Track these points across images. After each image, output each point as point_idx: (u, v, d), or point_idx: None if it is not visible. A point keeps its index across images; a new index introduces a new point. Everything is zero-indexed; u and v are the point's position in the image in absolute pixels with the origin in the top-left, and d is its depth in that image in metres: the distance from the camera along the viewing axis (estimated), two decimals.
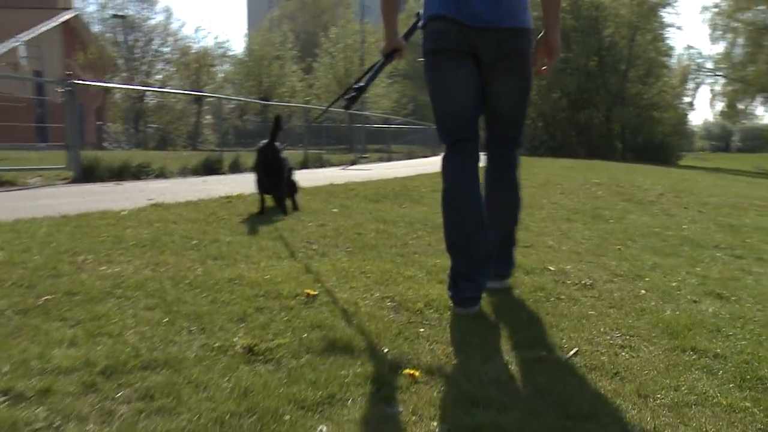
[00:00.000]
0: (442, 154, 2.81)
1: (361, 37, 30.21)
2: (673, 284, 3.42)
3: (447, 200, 2.76)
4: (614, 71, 35.52)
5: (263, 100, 32.31)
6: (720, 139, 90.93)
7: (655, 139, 36.37)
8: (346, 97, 2.92)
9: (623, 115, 35.84)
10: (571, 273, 3.54)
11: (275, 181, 5.32)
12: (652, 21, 39.10)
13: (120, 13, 34.63)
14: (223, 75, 43.19)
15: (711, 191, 10.61)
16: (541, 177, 11.58)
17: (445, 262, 2.97)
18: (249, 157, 13.73)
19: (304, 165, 15.26)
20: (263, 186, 5.31)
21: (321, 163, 16.11)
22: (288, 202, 5.54)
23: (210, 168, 11.87)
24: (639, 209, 7.38)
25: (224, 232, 4.19)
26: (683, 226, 6.04)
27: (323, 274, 3.11)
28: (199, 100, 33.83)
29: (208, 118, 44.16)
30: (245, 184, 8.83)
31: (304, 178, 10.47)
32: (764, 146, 71.11)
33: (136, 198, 6.32)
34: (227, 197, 6.35)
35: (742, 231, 5.95)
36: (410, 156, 24.55)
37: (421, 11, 2.80)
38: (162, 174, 10.58)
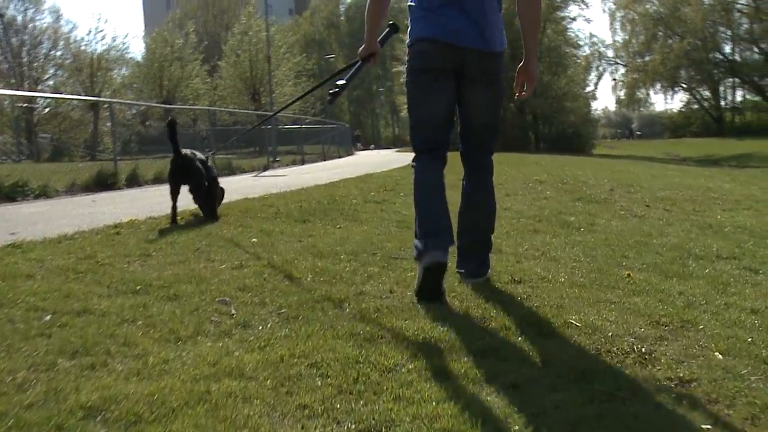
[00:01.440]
0: (413, 156, 3.18)
1: (267, 35, 28.60)
2: (743, 336, 2.44)
3: (417, 195, 3.10)
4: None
5: (165, 104, 30.19)
6: (620, 127, 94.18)
7: (568, 130, 36.56)
8: (330, 92, 3.19)
9: (536, 106, 35.76)
10: (609, 332, 2.48)
11: (192, 188, 5.37)
12: (562, 11, 39.48)
13: None
14: (120, 79, 40.68)
15: (655, 183, 9.98)
16: None
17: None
18: (148, 168, 12.24)
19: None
20: (175, 195, 5.32)
21: (231, 171, 14.68)
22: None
23: (103, 182, 10.30)
24: (602, 211, 6.52)
25: (99, 290, 2.91)
26: (665, 231, 5.20)
27: (249, 378, 1.92)
28: (95, 106, 31.32)
29: (108, 126, 41.55)
30: (143, 202, 7.47)
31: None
32: (662, 132, 73.95)
33: None
34: (115, 226, 5.01)
35: (728, 234, 5.20)
36: (325, 157, 23.32)
37: (396, 22, 3.45)
38: (44, 193, 9.01)
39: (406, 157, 23.64)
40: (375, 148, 52.18)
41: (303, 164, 19.73)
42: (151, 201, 7.57)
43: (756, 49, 51.30)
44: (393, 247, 4.13)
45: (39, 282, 3.03)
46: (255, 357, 2.06)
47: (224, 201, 6.73)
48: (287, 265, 3.51)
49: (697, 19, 50.65)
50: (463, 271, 3.27)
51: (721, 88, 57.92)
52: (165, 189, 10.49)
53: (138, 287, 2.95)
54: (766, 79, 51.34)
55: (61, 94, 34.00)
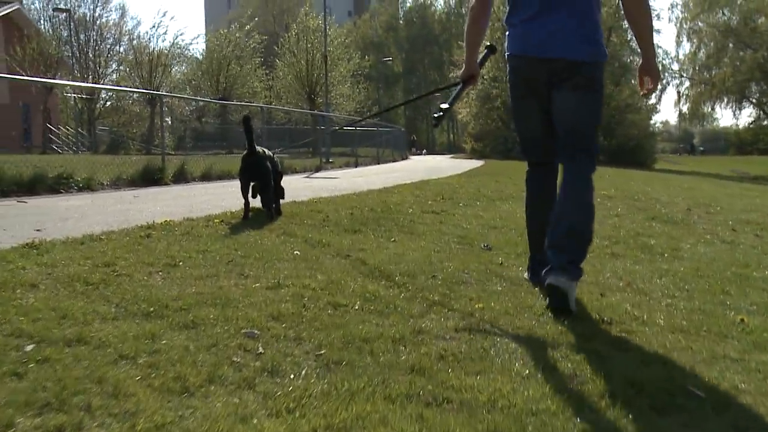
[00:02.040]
0: (527, 170, 3.43)
1: (324, 35, 28.34)
2: None
3: (529, 208, 3.48)
4: None
5: (222, 100, 30.25)
6: (681, 142, 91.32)
7: (630, 142, 35.18)
8: (434, 116, 3.44)
9: None
10: (745, 407, 1.88)
11: (261, 187, 5.40)
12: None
13: (62, 6, 32.17)
14: (180, 76, 41.15)
15: (736, 203, 9.14)
16: None
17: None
18: (197, 164, 11.95)
19: None
20: (246, 192, 5.34)
21: (283, 170, 14.30)
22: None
23: (150, 178, 10.00)
24: (683, 233, 5.82)
25: (104, 310, 2.43)
26: (764, 262, 4.51)
27: None
28: (152, 101, 31.61)
29: (167, 121, 42.08)
30: (186, 200, 7.08)
31: None
32: (726, 148, 71.29)
33: (18, 228, 4.52)
34: (148, 226, 4.57)
35: None
36: (379, 160, 22.82)
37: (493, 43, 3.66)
38: (88, 186, 8.72)
39: (461, 164, 23.10)
40: (427, 153, 51.57)
41: (356, 167, 19.28)
42: (194, 200, 7.18)
43: None
44: (455, 269, 3.57)
45: (39, 295, 2.57)
46: (279, 428, 1.53)
47: None
48: (332, 287, 2.98)
49: None
50: (549, 266, 2.94)
51: None
52: (211, 186, 10.36)
53: (151, 309, 2.45)
54: None
55: (114, 86, 34.48)
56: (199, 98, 32.58)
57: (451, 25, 73.80)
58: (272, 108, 27.17)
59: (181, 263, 3.33)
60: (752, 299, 3.36)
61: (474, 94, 35.53)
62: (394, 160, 25.54)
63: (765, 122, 57.36)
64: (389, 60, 62.66)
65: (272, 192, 5.44)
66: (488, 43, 3.58)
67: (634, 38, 4.19)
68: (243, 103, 31.09)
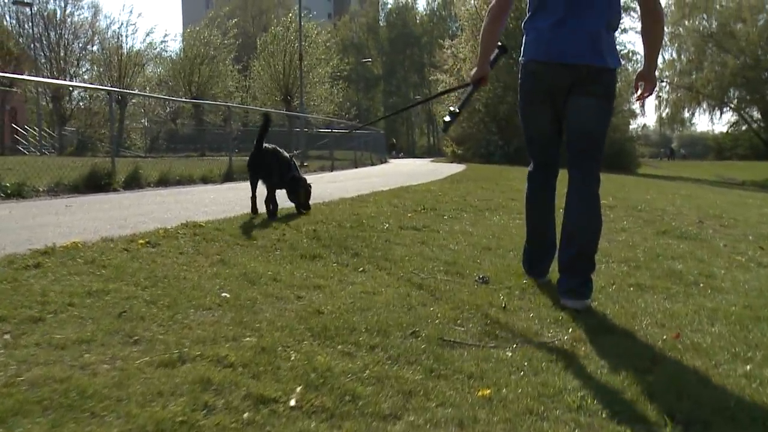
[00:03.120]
0: (530, 168, 3.50)
1: (299, 34, 27.22)
2: None
3: (528, 205, 3.53)
4: None
5: (192, 100, 29.05)
6: (659, 146, 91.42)
7: (613, 146, 34.42)
8: (445, 120, 3.45)
9: None
10: None
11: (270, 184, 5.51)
12: None
13: (24, 0, 30.75)
14: (155, 76, 39.91)
15: (746, 214, 8.27)
16: None
17: None
18: (152, 168, 10.85)
19: (229, 177, 12.40)
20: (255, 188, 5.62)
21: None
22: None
23: (95, 183, 8.89)
24: (708, 254, 4.90)
25: None
26: None
27: None
28: (121, 101, 30.30)
29: (142, 122, 40.69)
30: (124, 212, 6.01)
31: (218, 199, 7.73)
32: (706, 153, 71.26)
33: None
34: (45, 251, 3.50)
35: None
36: (356, 164, 21.78)
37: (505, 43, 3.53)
38: (19, 193, 7.61)
39: (442, 169, 22.10)
40: (404, 157, 50.63)
41: (332, 170, 18.24)
42: (133, 210, 6.12)
43: None
44: (443, 319, 2.59)
45: None
46: None
47: (224, 215, 5.30)
48: (262, 360, 1.96)
49: (753, 36, 48.25)
50: (564, 289, 3.05)
51: None
52: (165, 193, 9.28)
53: None
54: None
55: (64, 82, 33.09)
56: (157, 95, 31.12)
57: (432, 27, 73.08)
58: (238, 107, 26.06)
59: (50, 315, 2.31)
60: None
61: (455, 100, 34.67)
62: (373, 164, 24.51)
63: (744, 128, 57.22)
64: (369, 61, 61.61)
65: (271, 191, 5.52)
66: (500, 44, 3.43)
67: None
68: (210, 102, 29.86)
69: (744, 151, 56.35)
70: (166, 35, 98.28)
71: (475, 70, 3.33)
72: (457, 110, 3.39)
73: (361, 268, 3.51)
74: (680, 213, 7.67)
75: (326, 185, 10.99)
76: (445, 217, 6.12)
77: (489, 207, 7.43)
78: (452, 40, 38.33)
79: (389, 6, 79.14)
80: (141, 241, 3.93)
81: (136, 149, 31.55)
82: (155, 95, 29.89)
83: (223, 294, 2.72)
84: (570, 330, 2.59)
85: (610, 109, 3.17)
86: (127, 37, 52.47)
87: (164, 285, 2.84)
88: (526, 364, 2.13)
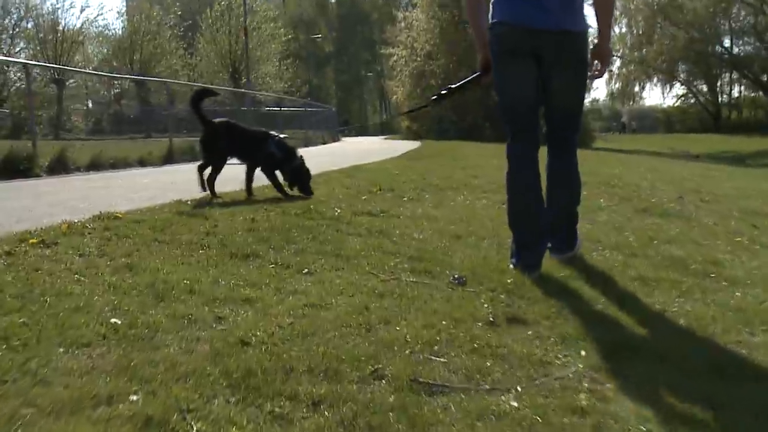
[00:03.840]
0: (507, 142, 3.16)
1: (244, 10, 25.97)
2: None
3: (511, 181, 3.14)
4: None
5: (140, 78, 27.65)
6: (609, 120, 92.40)
7: None
8: (433, 95, 3.42)
9: None
10: None
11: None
12: None
13: None
14: (97, 54, 38.07)
15: (723, 188, 7.83)
16: (488, 170, 8.47)
17: None
18: (83, 151, 9.88)
19: (169, 159, 11.48)
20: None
21: (194, 156, 12.32)
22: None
23: (13, 168, 7.94)
24: (702, 234, 4.37)
25: None
26: None
27: None
28: (59, 82, 28.64)
29: (88, 104, 38.77)
30: (33, 201, 5.14)
31: (151, 184, 6.89)
32: (655, 126, 72.12)
33: None
34: None
35: None
36: (307, 143, 20.86)
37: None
38: None
39: (397, 146, 21.38)
40: (356, 135, 49.74)
41: None
42: (51, 198, 5.30)
43: (758, 43, 49.30)
44: (417, 344, 1.91)
45: None
46: None
47: (138, 207, 4.50)
48: None
49: (700, 9, 48.55)
50: (550, 245, 3.19)
51: (718, 83, 56.03)
52: (96, 178, 8.42)
53: None
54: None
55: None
56: (90, 71, 29.35)
57: (382, 4, 71.95)
58: (177, 83, 24.79)
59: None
60: None
61: (407, 71, 33.93)
62: (325, 143, 23.66)
63: (692, 101, 57.90)
64: (319, 37, 60.19)
65: (251, 172, 5.41)
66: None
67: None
68: (148, 78, 28.45)
69: (692, 124, 56.95)
70: (101, 9, 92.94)
71: (480, 57, 3.22)
72: (452, 88, 3.35)
73: (306, 270, 2.80)
74: (655, 188, 7.15)
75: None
76: (405, 199, 5.44)
77: (451, 185, 6.78)
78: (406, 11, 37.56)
79: None
80: (33, 240, 3.14)
81: (77, 131, 29.97)
82: (87, 71, 28.14)
83: (114, 319, 1.98)
84: (583, 353, 1.95)
85: (586, 76, 3.16)
86: (62, 12, 49.65)
87: (36, 307, 2.08)
88: (539, 421, 1.47)
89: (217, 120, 5.48)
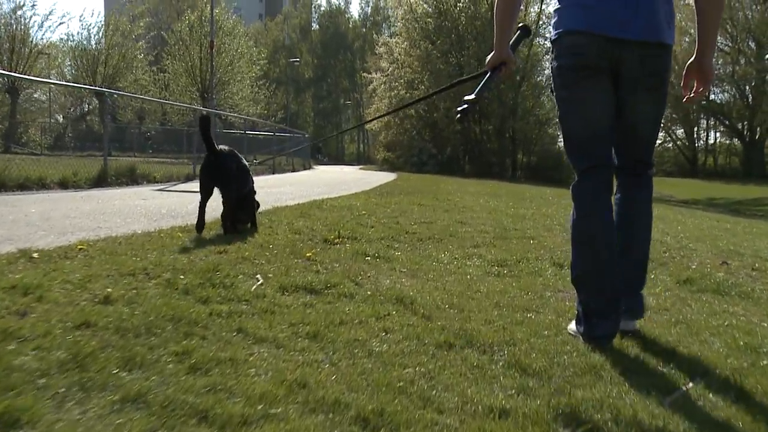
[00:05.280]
0: (574, 182, 2.55)
1: (211, 22, 24.45)
2: None
3: (579, 230, 2.51)
4: (509, 81, 31.64)
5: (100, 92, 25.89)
6: None
7: (549, 158, 33.00)
8: (458, 109, 2.64)
9: (517, 129, 32.13)
10: None
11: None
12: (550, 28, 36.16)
13: None
14: (58, 65, 36.32)
15: (758, 246, 6.40)
16: (477, 212, 6.97)
17: None
18: (29, 168, 8.19)
19: (101, 181, 9.80)
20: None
21: (133, 179, 10.69)
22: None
23: None
24: None
25: None
26: None
27: None
28: (11, 90, 26.78)
29: (58, 119, 36.77)
30: None
31: (32, 219, 5.25)
32: None
33: None
34: None
35: None
36: (274, 170, 19.27)
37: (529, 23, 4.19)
38: None
39: (371, 177, 19.85)
40: (329, 163, 48.37)
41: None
42: None
43: (735, 91, 49.38)
44: None
45: None
46: None
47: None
48: None
49: (680, 55, 48.51)
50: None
51: (695, 129, 56.06)
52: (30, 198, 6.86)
53: None
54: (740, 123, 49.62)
55: None
56: (46, 80, 27.42)
57: (365, 32, 71.43)
58: (132, 95, 23.11)
59: None
60: None
61: (387, 99, 32.69)
62: (294, 170, 22.09)
63: (670, 145, 57.65)
64: (297, 61, 58.87)
65: (230, 202, 4.75)
66: (522, 24, 2.86)
67: None
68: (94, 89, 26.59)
69: (670, 168, 56.80)
70: (63, 17, 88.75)
71: (492, 54, 2.63)
72: (473, 98, 2.55)
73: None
74: (684, 246, 5.67)
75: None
76: (368, 258, 3.88)
77: (432, 234, 5.26)
78: (389, 38, 36.55)
79: (322, 9, 77.06)
80: None
81: (34, 146, 28.06)
82: (43, 80, 26.28)
83: None
84: None
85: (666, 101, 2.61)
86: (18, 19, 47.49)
87: None
88: None
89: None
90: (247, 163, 5.12)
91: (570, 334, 2.46)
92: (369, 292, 2.87)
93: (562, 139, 2.68)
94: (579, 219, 2.49)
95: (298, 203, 7.30)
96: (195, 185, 11.26)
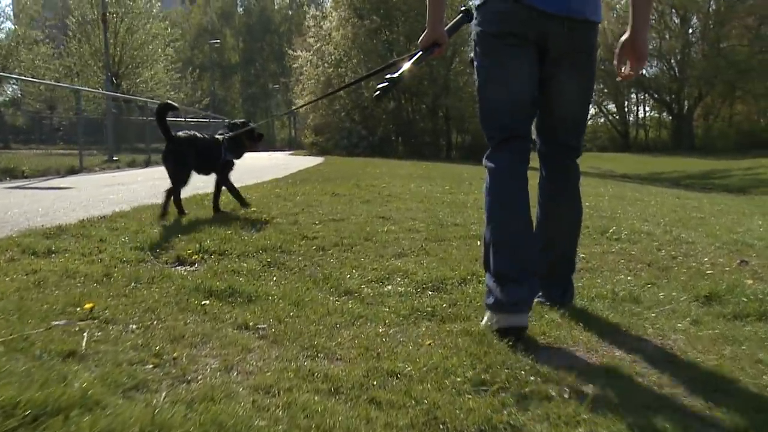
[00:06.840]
0: (487, 153, 2.35)
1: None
2: None
3: (492, 201, 2.29)
4: (440, 57, 30.27)
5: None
6: None
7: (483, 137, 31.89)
8: (378, 86, 2.49)
9: (449, 107, 30.83)
10: None
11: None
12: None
13: None
14: None
15: (763, 234, 5.11)
16: (406, 202, 5.48)
17: None
18: None
19: None
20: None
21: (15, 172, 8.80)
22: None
23: None
24: None
25: None
26: None
27: None
28: None
29: None
30: None
31: None
32: None
33: None
34: None
35: None
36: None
37: (470, 4, 2.52)
38: None
39: (295, 162, 18.18)
40: (259, 150, 46.33)
41: (147, 166, 13.98)
42: None
43: (663, 65, 49.68)
44: None
45: None
46: None
47: None
48: None
49: (608, 32, 48.50)
50: (543, 299, 2.45)
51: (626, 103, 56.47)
52: None
53: None
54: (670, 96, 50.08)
55: None
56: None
57: (291, 15, 69.21)
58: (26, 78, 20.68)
59: None
60: None
61: (314, 78, 30.92)
62: None
63: (602, 120, 57.89)
64: (217, 43, 56.08)
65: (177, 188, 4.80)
66: (464, 7, 2.59)
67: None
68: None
69: (603, 143, 57.11)
70: None
71: (425, 33, 2.41)
72: (396, 76, 2.36)
73: None
74: (677, 238, 4.26)
75: (99, 189, 6.89)
76: (209, 300, 2.32)
77: (340, 239, 3.74)
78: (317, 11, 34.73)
79: None
80: None
81: None
82: None
83: None
84: None
85: (593, 80, 2.44)
86: None
87: None
88: None
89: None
90: (215, 138, 5.13)
91: (485, 327, 2.16)
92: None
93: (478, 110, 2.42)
94: (492, 191, 2.28)
95: (196, 194, 5.83)
96: (75, 180, 9.48)
